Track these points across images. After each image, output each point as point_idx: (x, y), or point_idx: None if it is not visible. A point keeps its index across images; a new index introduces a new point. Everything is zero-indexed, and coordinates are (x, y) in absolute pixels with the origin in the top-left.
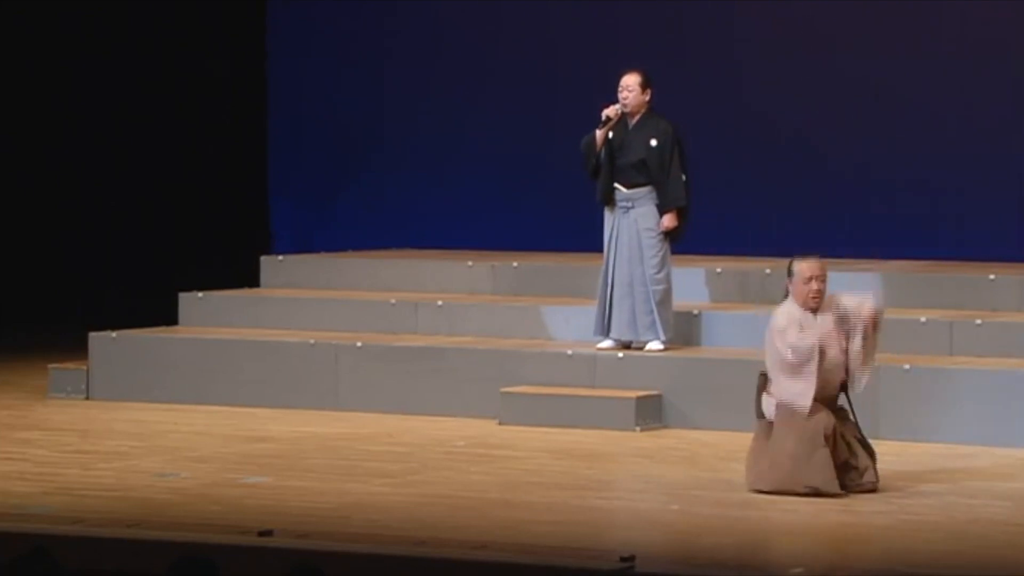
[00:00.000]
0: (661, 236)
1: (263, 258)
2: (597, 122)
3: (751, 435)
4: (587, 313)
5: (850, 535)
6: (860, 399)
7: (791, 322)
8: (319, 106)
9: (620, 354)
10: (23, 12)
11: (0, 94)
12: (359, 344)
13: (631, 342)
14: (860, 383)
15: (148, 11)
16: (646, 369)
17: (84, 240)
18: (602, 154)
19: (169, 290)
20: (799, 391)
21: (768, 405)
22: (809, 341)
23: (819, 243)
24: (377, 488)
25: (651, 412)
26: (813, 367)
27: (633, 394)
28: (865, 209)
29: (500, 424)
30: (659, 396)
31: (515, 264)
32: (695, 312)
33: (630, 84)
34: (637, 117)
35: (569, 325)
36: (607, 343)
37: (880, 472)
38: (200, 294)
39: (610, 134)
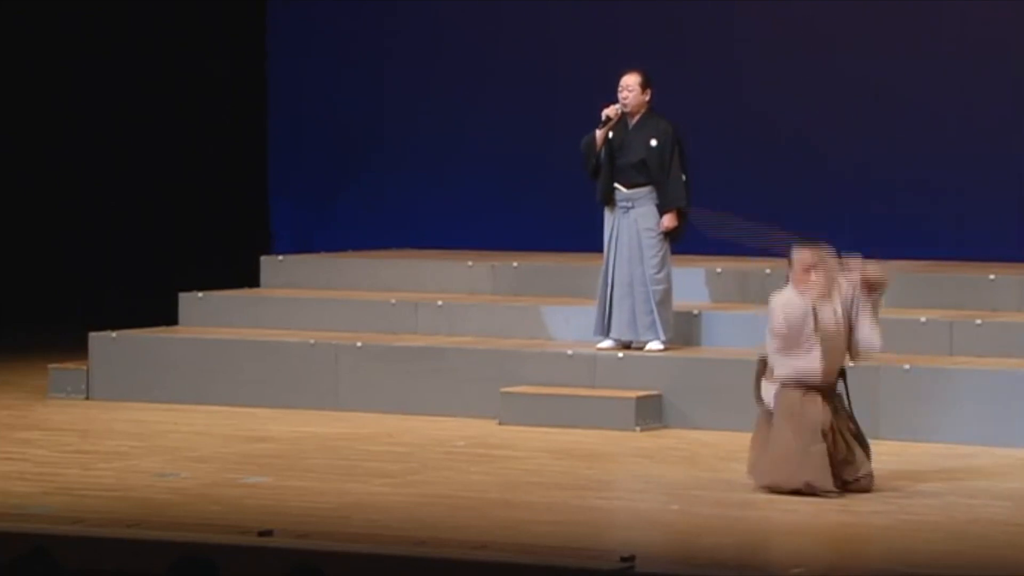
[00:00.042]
0: (661, 236)
1: (263, 258)
2: (597, 122)
3: (751, 435)
4: (587, 313)
5: (850, 535)
6: (860, 399)
7: (787, 303)
8: (319, 106)
9: (620, 354)
10: (23, 12)
11: (0, 94)
12: (359, 344)
13: (631, 342)
14: (874, 342)
15: (148, 11)
16: (646, 369)
17: (84, 240)
18: (602, 154)
19: (169, 290)
20: (803, 365)
21: (768, 391)
22: (799, 311)
23: None
24: (377, 488)
25: (651, 412)
26: (811, 335)
27: (633, 394)
28: (865, 209)
29: (500, 424)
30: (659, 396)
31: (515, 264)
32: (695, 312)
33: (630, 84)
34: (637, 117)
35: (569, 325)
36: (607, 343)
37: (880, 472)
38: (200, 294)
39: (610, 134)
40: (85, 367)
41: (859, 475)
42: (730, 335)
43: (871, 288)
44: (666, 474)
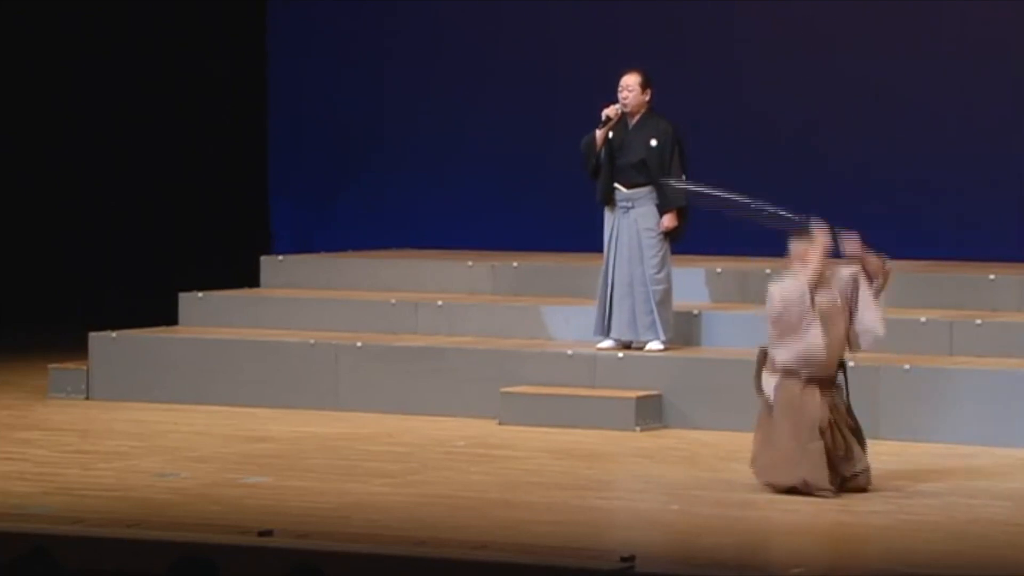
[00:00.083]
0: (661, 236)
1: (263, 258)
2: (597, 122)
3: (751, 435)
4: (587, 313)
5: (850, 535)
6: (860, 399)
7: (784, 286)
8: (319, 106)
9: (620, 354)
10: (23, 12)
11: (0, 94)
12: (359, 344)
13: (631, 342)
14: (876, 327)
15: (148, 11)
16: (646, 369)
17: (84, 240)
18: (602, 154)
19: (169, 290)
20: (804, 346)
21: (768, 383)
22: (796, 291)
23: None
24: (377, 488)
25: (651, 412)
26: (809, 313)
27: (633, 394)
28: (865, 209)
29: (500, 424)
30: (659, 396)
31: (515, 264)
32: (695, 312)
33: (630, 84)
34: (637, 117)
35: (569, 325)
36: (607, 343)
37: (879, 472)
38: (200, 294)
39: (610, 134)
40: (85, 367)
41: (857, 471)
42: (730, 335)
43: (872, 276)
44: (666, 474)
